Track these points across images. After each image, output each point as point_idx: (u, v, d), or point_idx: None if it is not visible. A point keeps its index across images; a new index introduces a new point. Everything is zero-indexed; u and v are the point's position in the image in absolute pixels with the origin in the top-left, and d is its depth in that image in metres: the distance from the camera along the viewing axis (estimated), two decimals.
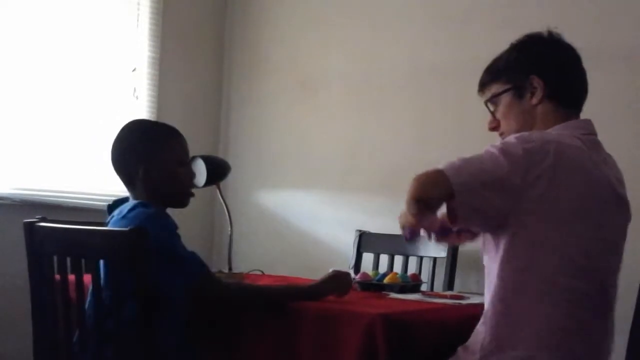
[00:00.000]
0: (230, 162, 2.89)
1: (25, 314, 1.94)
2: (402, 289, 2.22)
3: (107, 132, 3.19)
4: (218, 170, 2.73)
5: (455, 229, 1.80)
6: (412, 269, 2.82)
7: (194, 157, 2.43)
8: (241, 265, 2.89)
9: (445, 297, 2.16)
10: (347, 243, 3.12)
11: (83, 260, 1.82)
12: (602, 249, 1.64)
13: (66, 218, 2.25)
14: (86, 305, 1.82)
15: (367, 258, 3.02)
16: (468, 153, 1.61)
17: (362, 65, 3.43)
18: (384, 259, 2.96)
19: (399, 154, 3.19)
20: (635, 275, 1.95)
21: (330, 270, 2.04)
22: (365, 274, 2.32)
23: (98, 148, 3.24)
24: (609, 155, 1.73)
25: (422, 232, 1.78)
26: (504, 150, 1.57)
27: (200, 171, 2.58)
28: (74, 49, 3.24)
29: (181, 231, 1.90)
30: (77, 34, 3.26)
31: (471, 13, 3.08)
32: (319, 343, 1.73)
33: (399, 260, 2.91)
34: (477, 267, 1.73)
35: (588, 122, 1.74)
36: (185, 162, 2.00)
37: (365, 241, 3.06)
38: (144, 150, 1.92)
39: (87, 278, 1.80)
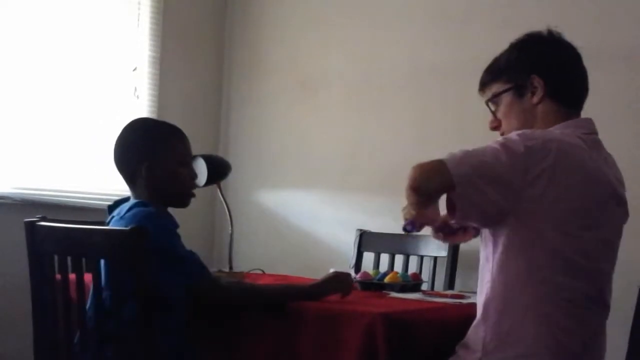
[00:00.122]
0: (231, 161, 2.90)
1: (26, 314, 1.94)
2: (403, 288, 2.22)
3: (107, 132, 3.20)
4: (218, 170, 2.73)
5: (457, 225, 1.80)
6: (412, 268, 2.82)
7: (194, 157, 2.43)
8: (242, 265, 2.90)
9: (446, 296, 2.16)
10: (348, 242, 3.12)
11: (84, 260, 1.82)
12: (601, 249, 1.64)
13: (67, 217, 2.25)
14: (87, 306, 1.82)
15: (368, 257, 3.02)
16: None
17: (362, 65, 3.43)
18: (384, 258, 2.96)
19: (399, 153, 3.19)
20: (635, 275, 1.96)
21: (331, 270, 2.04)
22: (365, 273, 2.32)
23: (99, 147, 3.24)
24: (609, 155, 1.73)
25: (433, 233, 1.78)
26: (506, 146, 1.57)
27: (201, 170, 2.58)
28: (74, 49, 3.24)
29: (181, 230, 1.90)
30: (78, 34, 3.26)
31: (471, 13, 3.08)
32: (319, 343, 1.73)
33: (399, 259, 2.91)
34: (478, 266, 1.73)
35: (589, 121, 1.75)
36: (187, 162, 2.00)
37: (366, 240, 3.06)
38: (146, 149, 1.92)
39: (88, 277, 1.80)
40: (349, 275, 2.01)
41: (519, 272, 1.61)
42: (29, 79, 3.08)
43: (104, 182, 3.26)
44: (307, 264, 3.20)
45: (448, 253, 2.76)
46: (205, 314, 1.89)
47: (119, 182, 2.01)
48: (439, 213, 1.74)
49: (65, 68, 3.21)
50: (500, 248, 1.63)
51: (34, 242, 1.88)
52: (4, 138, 2.99)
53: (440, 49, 3.16)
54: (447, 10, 3.16)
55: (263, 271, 2.73)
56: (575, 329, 1.61)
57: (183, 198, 1.99)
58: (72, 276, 1.80)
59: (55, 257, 1.84)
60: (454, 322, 1.79)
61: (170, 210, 1.97)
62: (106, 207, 2.02)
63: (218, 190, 2.83)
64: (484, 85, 1.84)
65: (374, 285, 2.25)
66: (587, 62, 1.79)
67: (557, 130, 1.67)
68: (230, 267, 2.74)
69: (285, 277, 2.57)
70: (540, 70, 1.73)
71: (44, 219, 1.91)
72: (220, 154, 3.74)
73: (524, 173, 1.55)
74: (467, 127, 2.89)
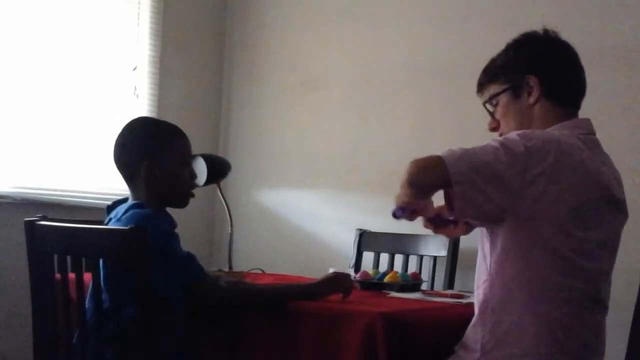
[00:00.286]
0: (231, 161, 2.90)
1: (26, 313, 1.94)
2: (403, 288, 2.22)
3: (107, 131, 3.20)
4: (218, 169, 2.74)
5: (451, 217, 1.79)
6: (412, 267, 2.82)
7: (194, 156, 2.43)
8: (241, 264, 2.90)
9: (445, 296, 2.16)
10: (348, 242, 3.13)
11: (83, 259, 1.82)
12: (600, 249, 1.64)
13: (67, 216, 2.25)
14: (86, 306, 1.82)
15: (368, 257, 3.02)
16: None
17: (362, 65, 3.43)
18: (384, 257, 2.96)
19: (399, 153, 3.17)
20: (635, 275, 1.96)
21: (331, 270, 2.04)
22: (365, 273, 2.32)
23: (99, 147, 3.24)
24: (607, 155, 1.73)
25: (424, 222, 1.76)
26: (506, 145, 1.56)
27: (201, 170, 2.58)
28: (74, 48, 3.24)
29: (181, 230, 1.90)
30: (78, 33, 3.26)
31: (471, 13, 3.08)
32: (319, 342, 1.72)
33: (399, 259, 2.91)
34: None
35: (587, 122, 1.74)
36: (187, 162, 2.00)
37: (366, 240, 3.06)
38: (146, 148, 1.92)
39: (88, 277, 1.80)
40: (348, 275, 2.01)
41: (517, 271, 1.61)
42: (29, 79, 3.08)
43: (103, 182, 3.26)
44: (307, 264, 3.20)
45: (448, 252, 2.76)
46: (205, 314, 1.89)
47: (119, 181, 2.00)
48: (432, 203, 1.74)
49: (65, 67, 3.21)
50: (498, 247, 1.63)
51: (33, 241, 1.88)
52: (4, 137, 2.99)
53: (440, 48, 3.16)
54: (447, 10, 3.16)
55: (263, 271, 2.73)
56: (575, 328, 1.61)
57: (182, 198, 1.99)
58: (71, 275, 1.79)
59: (55, 257, 1.84)
60: (454, 322, 1.79)
61: (169, 209, 1.97)
62: (106, 206, 2.01)
63: (218, 190, 2.83)
64: (481, 87, 1.84)
65: (374, 285, 2.25)
66: (587, 62, 1.78)
67: (556, 131, 1.67)
68: (230, 267, 2.74)
69: (285, 277, 2.57)
70: (536, 70, 1.73)
71: (44, 218, 1.91)
72: (220, 153, 3.75)
73: (523, 173, 1.55)
74: (467, 127, 2.89)
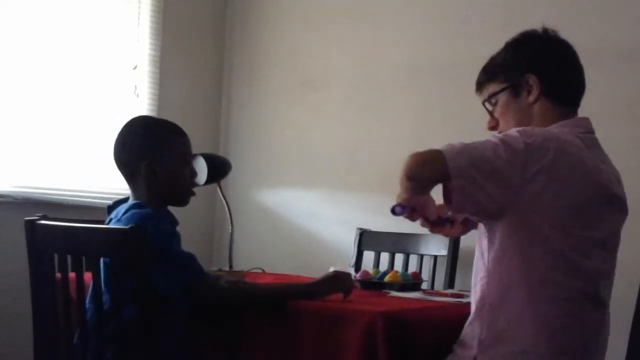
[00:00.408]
0: (231, 160, 2.90)
1: (26, 314, 1.94)
2: (403, 287, 2.22)
3: (108, 130, 3.20)
4: (219, 169, 2.74)
5: (449, 211, 1.78)
6: (412, 267, 2.82)
7: (195, 155, 2.43)
8: (241, 264, 2.90)
9: (446, 295, 2.16)
10: (348, 241, 3.13)
11: (84, 259, 1.82)
12: (598, 248, 1.64)
13: (67, 216, 2.25)
14: (87, 306, 1.82)
15: (368, 256, 3.02)
16: None
17: (362, 65, 3.43)
18: (384, 257, 2.96)
19: (399, 153, 3.14)
20: (635, 275, 1.96)
21: (331, 269, 2.04)
22: (366, 272, 2.32)
23: (99, 146, 3.24)
24: (605, 154, 1.73)
25: (420, 220, 1.76)
26: (506, 142, 1.56)
27: (201, 169, 2.58)
28: (74, 47, 3.24)
29: (181, 229, 1.90)
30: (78, 32, 3.26)
31: (471, 13, 3.08)
32: (319, 342, 1.72)
33: (399, 258, 2.91)
34: None
35: (586, 120, 1.75)
36: (187, 160, 1.99)
37: (366, 239, 3.06)
38: (146, 147, 1.92)
39: (88, 276, 1.80)
40: (349, 275, 2.01)
41: (515, 268, 1.61)
42: (29, 78, 3.08)
43: (104, 181, 3.26)
44: (307, 263, 3.20)
45: (448, 252, 2.76)
46: (205, 314, 1.89)
47: (119, 180, 2.01)
48: (433, 203, 1.74)
49: (65, 66, 3.21)
50: (496, 244, 1.63)
51: (34, 240, 1.88)
52: (4, 137, 2.99)
53: (440, 49, 3.16)
54: (447, 10, 3.16)
55: (263, 270, 2.73)
56: (574, 327, 1.61)
57: (183, 196, 1.98)
58: (71, 275, 1.79)
59: (55, 256, 1.84)
60: (454, 321, 1.79)
61: (170, 208, 1.97)
62: (106, 206, 2.01)
63: (218, 189, 2.83)
64: (480, 86, 1.84)
65: (374, 285, 2.25)
66: (587, 62, 1.78)
67: (555, 129, 1.67)
68: (230, 266, 2.74)
69: (285, 276, 2.57)
70: (536, 69, 1.73)
71: (44, 217, 1.91)
72: (221, 152, 3.75)
73: (522, 170, 1.55)
74: (467, 127, 2.88)
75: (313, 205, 3.53)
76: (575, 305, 1.61)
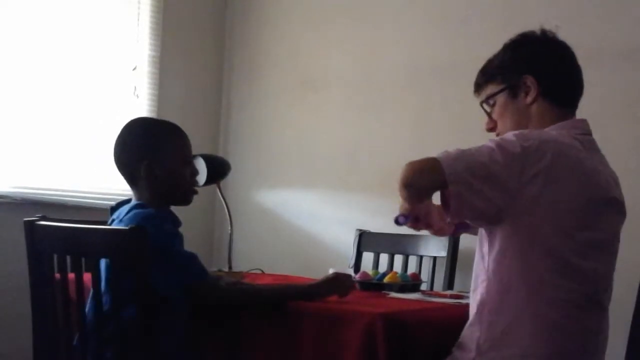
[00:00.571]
0: (231, 161, 2.90)
1: (25, 314, 1.94)
2: (402, 289, 2.22)
3: (107, 131, 3.20)
4: (218, 169, 2.74)
5: (448, 218, 1.79)
6: (412, 268, 2.82)
7: (194, 156, 2.43)
8: (241, 264, 2.90)
9: (445, 296, 2.16)
10: (347, 242, 3.12)
11: (83, 259, 1.82)
12: (597, 250, 1.64)
13: (66, 216, 2.25)
14: (87, 306, 1.82)
15: (367, 257, 3.02)
16: None
17: (362, 65, 3.43)
18: (384, 258, 2.96)
19: (399, 153, 3.15)
20: (635, 275, 1.95)
21: (330, 270, 2.04)
22: (365, 273, 2.32)
23: (98, 146, 3.24)
24: (603, 156, 1.73)
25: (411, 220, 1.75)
26: (502, 146, 1.56)
27: (201, 170, 2.58)
28: (74, 48, 3.24)
29: (181, 229, 1.89)
30: (78, 33, 3.26)
31: (471, 13, 3.07)
32: (319, 343, 1.72)
33: (399, 259, 2.91)
34: None
35: (584, 122, 1.74)
36: (188, 160, 1.99)
37: (366, 240, 3.06)
38: (146, 147, 1.91)
39: (87, 277, 1.80)
40: (349, 276, 2.01)
41: (515, 271, 1.60)
42: (29, 78, 3.08)
43: (103, 182, 3.27)
44: (307, 264, 3.20)
45: (447, 253, 2.76)
46: (205, 314, 1.89)
47: (119, 181, 2.00)
48: (435, 210, 1.74)
49: (65, 67, 3.21)
50: (496, 247, 1.62)
51: (33, 241, 1.88)
52: (4, 137, 2.99)
53: (440, 49, 3.16)
54: (447, 10, 3.16)
55: (262, 271, 2.73)
56: (573, 329, 1.61)
57: (186, 195, 1.98)
58: (71, 275, 1.79)
59: (55, 257, 1.84)
60: (454, 322, 1.79)
61: (173, 208, 1.96)
62: (106, 206, 2.02)
63: (218, 190, 2.83)
64: (478, 87, 1.84)
65: (374, 286, 2.25)
66: (587, 62, 1.78)
67: (553, 131, 1.67)
68: (230, 267, 2.74)
69: (285, 277, 2.57)
70: (534, 70, 1.73)
71: (43, 218, 1.91)
72: (220, 153, 3.75)
73: (520, 173, 1.55)
74: (467, 127, 2.88)
75: (313, 206, 3.53)
76: (575, 306, 1.61)
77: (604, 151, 1.73)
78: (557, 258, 1.58)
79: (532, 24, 1.80)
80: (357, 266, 3.00)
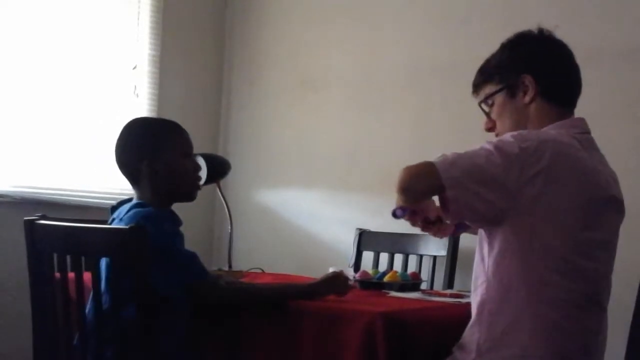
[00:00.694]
0: (231, 160, 2.90)
1: (25, 313, 1.94)
2: (402, 288, 2.22)
3: (107, 130, 3.20)
4: (218, 169, 2.73)
5: (448, 220, 1.79)
6: (412, 267, 2.82)
7: (194, 155, 2.42)
8: (241, 264, 2.90)
9: (445, 295, 2.16)
10: (347, 241, 3.13)
11: (83, 258, 1.82)
12: (597, 249, 1.64)
13: (66, 216, 2.25)
14: (87, 306, 1.82)
15: (367, 256, 3.02)
16: None
17: (362, 65, 3.43)
18: (384, 257, 2.96)
19: (399, 153, 3.19)
20: (635, 275, 1.95)
21: (330, 269, 2.04)
22: (365, 273, 2.32)
23: (98, 145, 3.24)
24: (602, 155, 1.73)
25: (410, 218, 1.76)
26: (500, 147, 1.56)
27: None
28: (74, 47, 3.24)
29: (182, 229, 1.89)
30: (78, 32, 3.26)
31: (471, 13, 3.08)
32: (319, 342, 1.72)
33: (399, 258, 2.91)
34: None
35: (582, 121, 1.74)
36: (189, 155, 1.99)
37: (366, 240, 3.06)
38: (146, 146, 1.91)
39: (87, 276, 1.80)
40: (346, 278, 2.01)
41: (515, 272, 1.60)
42: (29, 78, 3.08)
43: (103, 181, 3.27)
44: (307, 263, 3.20)
45: (447, 252, 2.76)
46: (205, 314, 1.89)
47: (119, 180, 2.01)
48: (433, 204, 1.74)
49: (65, 66, 3.21)
50: (496, 248, 1.62)
51: (33, 240, 1.88)
52: (3, 136, 2.99)
53: (440, 49, 3.16)
54: (447, 10, 3.16)
55: (262, 270, 2.73)
56: (573, 329, 1.61)
57: (190, 190, 1.98)
58: (71, 275, 1.79)
59: (55, 256, 1.84)
60: (454, 322, 1.79)
61: (175, 208, 1.96)
62: (106, 205, 2.02)
63: (218, 189, 2.83)
64: (477, 87, 1.84)
65: (374, 285, 2.25)
66: (587, 62, 1.78)
67: (551, 131, 1.67)
68: (230, 266, 2.74)
69: (285, 276, 2.57)
70: (532, 70, 1.73)
71: (43, 217, 1.91)
72: (220, 152, 3.75)
73: (518, 174, 1.54)
74: (467, 127, 2.88)
75: (313, 206, 3.53)
76: (575, 306, 1.61)
77: (603, 151, 1.73)
78: (558, 258, 1.58)
79: (532, 24, 1.80)
80: (357, 265, 3.00)
